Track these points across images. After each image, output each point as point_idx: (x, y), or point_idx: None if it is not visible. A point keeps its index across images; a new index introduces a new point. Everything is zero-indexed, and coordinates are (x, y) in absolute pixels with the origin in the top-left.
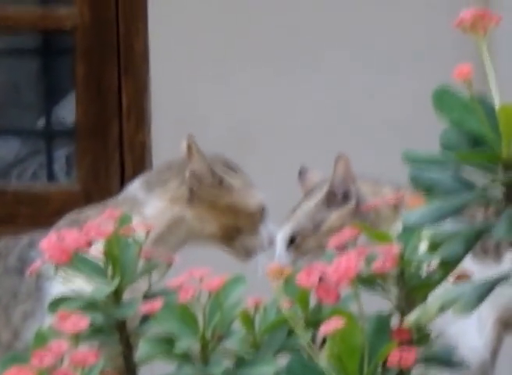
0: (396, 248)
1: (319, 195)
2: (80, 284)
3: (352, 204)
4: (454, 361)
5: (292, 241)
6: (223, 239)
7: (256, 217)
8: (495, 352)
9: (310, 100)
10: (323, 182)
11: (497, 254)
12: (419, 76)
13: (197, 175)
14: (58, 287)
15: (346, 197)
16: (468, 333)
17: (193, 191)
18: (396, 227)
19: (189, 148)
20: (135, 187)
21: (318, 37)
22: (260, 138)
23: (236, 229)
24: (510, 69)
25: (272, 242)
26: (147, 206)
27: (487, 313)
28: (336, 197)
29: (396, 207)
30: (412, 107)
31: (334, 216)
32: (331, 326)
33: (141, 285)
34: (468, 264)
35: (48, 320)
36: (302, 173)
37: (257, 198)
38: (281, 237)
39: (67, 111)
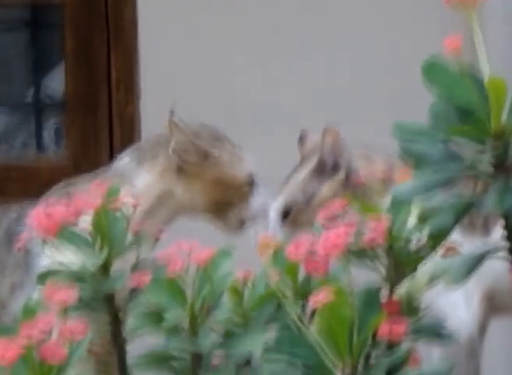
0: (384, 223)
1: (310, 166)
2: (69, 257)
3: (342, 175)
4: (443, 333)
5: (286, 215)
6: (213, 211)
7: (245, 189)
8: (482, 328)
9: (300, 73)
10: (313, 153)
11: (485, 229)
12: (408, 48)
13: (180, 150)
14: (46, 260)
15: (335, 168)
16: (456, 307)
17: (180, 166)
18: (386, 200)
19: (169, 124)
20: (125, 160)
21: (309, 9)
22: (250, 110)
23: (226, 201)
24: (498, 43)
25: (264, 212)
26: (137, 180)
27: (473, 290)
28: (325, 168)
29: (387, 180)
30: (401, 79)
31: (325, 188)
32: (320, 298)
33: (130, 258)
34: (457, 239)
35: (37, 293)
36: (302, 138)
37: (245, 169)
38: (274, 210)
39: (56, 83)
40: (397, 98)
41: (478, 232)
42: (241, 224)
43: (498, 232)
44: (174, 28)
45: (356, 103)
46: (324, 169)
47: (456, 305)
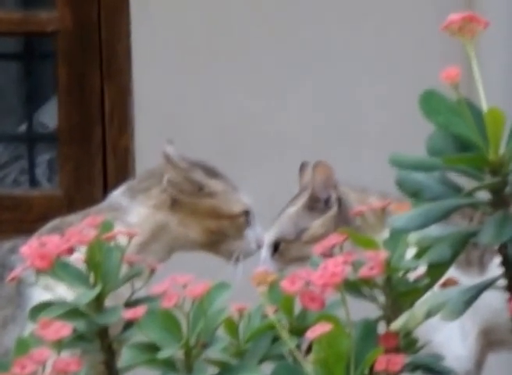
0: (383, 254)
1: (302, 201)
2: (62, 291)
3: (334, 210)
4: (440, 369)
5: (276, 248)
6: (208, 244)
7: (240, 221)
8: (479, 364)
9: (297, 106)
10: (307, 186)
11: (481, 265)
12: (406, 81)
13: (175, 183)
14: (39, 293)
15: (328, 203)
16: (453, 342)
17: (175, 198)
18: (383, 234)
19: (164, 157)
20: (118, 194)
21: (307, 38)
22: (245, 144)
23: (221, 234)
24: (496, 72)
25: (260, 246)
26: (131, 213)
27: (470, 325)
28: (318, 203)
29: (383, 215)
30: (399, 113)
31: (316, 224)
32: (317, 331)
33: (124, 292)
34: (453, 275)
35: (30, 327)
36: (302, 169)
37: (240, 202)
38: (266, 243)
39: (49, 116)
40: (395, 133)
41: (475, 269)
42: (235, 258)
43: (494, 269)
44: (168, 60)
45: (353, 139)
46: (316, 205)
47: (452, 341)
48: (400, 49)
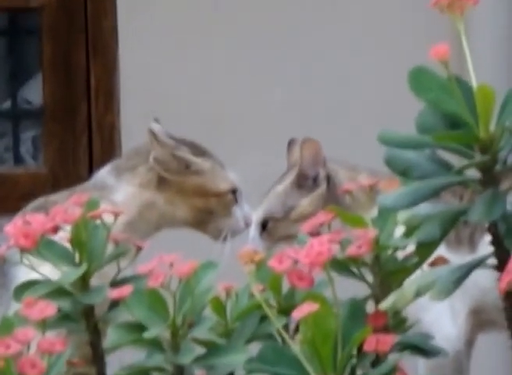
0: (371, 233)
1: (290, 179)
2: (47, 270)
3: (323, 188)
4: (430, 349)
5: (264, 227)
6: (196, 223)
7: (227, 199)
8: (469, 344)
9: (284, 83)
10: (295, 164)
11: (471, 243)
12: (395, 57)
13: (161, 161)
14: (24, 272)
15: (316, 181)
16: (442, 322)
17: (162, 176)
18: (372, 212)
19: (150, 134)
20: (103, 173)
21: (293, 15)
22: (232, 120)
23: (208, 212)
24: (485, 49)
25: (248, 224)
26: (117, 192)
27: (459, 305)
28: (306, 181)
29: (372, 193)
30: (388, 88)
31: (305, 203)
32: (304, 310)
33: (110, 271)
34: (443, 254)
35: (14, 306)
36: (290, 146)
37: (227, 179)
38: (254, 221)
39: (34, 92)
40: (383, 110)
41: (464, 248)
42: (223, 236)
43: (484, 247)
44: (155, 36)
45: (342, 116)
46: (304, 182)
47: (442, 320)
48: (388, 25)
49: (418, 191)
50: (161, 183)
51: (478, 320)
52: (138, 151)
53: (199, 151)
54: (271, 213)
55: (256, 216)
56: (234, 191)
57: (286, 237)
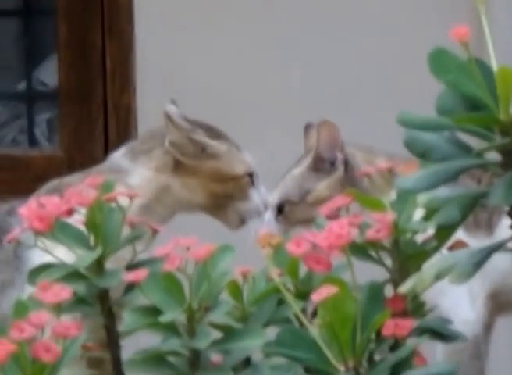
0: (390, 216)
1: (307, 162)
2: (61, 253)
3: (340, 172)
4: (448, 333)
5: (280, 210)
6: (213, 207)
7: (244, 182)
8: (488, 328)
9: (299, 64)
10: (312, 148)
11: (489, 227)
12: (413, 39)
13: (177, 144)
14: (38, 255)
15: (333, 164)
16: (461, 306)
17: (177, 160)
18: (390, 196)
19: (166, 117)
20: (118, 155)
21: (310, 2)
22: (249, 102)
23: (226, 195)
24: (506, 31)
25: (266, 206)
26: (132, 175)
27: (478, 289)
28: (323, 164)
29: (390, 176)
30: (408, 69)
31: (321, 186)
32: (322, 293)
33: (125, 254)
34: (461, 237)
35: (28, 290)
36: (307, 130)
37: (244, 162)
38: (270, 204)
39: (49, 74)
40: (400, 93)
41: (482, 231)
42: (241, 220)
43: (502, 231)
44: (171, 16)
45: (359, 99)
46: (321, 165)
47: (460, 304)
48: (407, 8)
49: (438, 174)
50: (177, 166)
51: (497, 303)
52: (153, 134)
53: (215, 133)
54: (287, 197)
55: (272, 200)
56: (251, 174)
57: (302, 220)
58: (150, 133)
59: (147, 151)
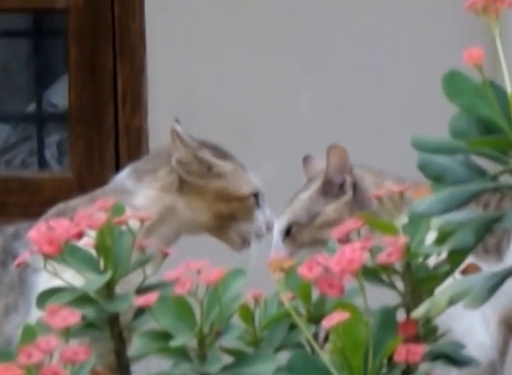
0: (402, 240)
1: (315, 186)
2: (70, 277)
3: (349, 195)
4: (462, 358)
5: (288, 233)
6: (217, 228)
7: (249, 202)
8: (502, 352)
9: (313, 87)
10: (321, 172)
11: (498, 252)
12: (427, 61)
13: (183, 163)
14: (45, 279)
15: (342, 188)
16: (475, 331)
17: (183, 179)
18: (400, 220)
19: (172, 136)
20: (123, 176)
21: (322, 16)
22: (260, 124)
23: (230, 216)
24: None
25: (270, 228)
26: (137, 196)
27: (490, 313)
28: (332, 187)
29: (400, 199)
30: (420, 93)
31: (329, 209)
32: (334, 319)
33: (135, 278)
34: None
35: (34, 314)
36: (306, 161)
37: (249, 182)
38: (277, 227)
39: (59, 95)
40: (414, 117)
41: (492, 256)
42: (244, 241)
43: (510, 257)
44: (182, 38)
45: (373, 119)
46: (330, 189)
47: (474, 329)
48: (422, 29)
49: (452, 197)
50: (182, 186)
51: (509, 327)
52: (158, 153)
53: (221, 153)
54: (295, 219)
55: (279, 223)
56: (256, 195)
57: (310, 243)
58: (154, 153)
59: (152, 171)
